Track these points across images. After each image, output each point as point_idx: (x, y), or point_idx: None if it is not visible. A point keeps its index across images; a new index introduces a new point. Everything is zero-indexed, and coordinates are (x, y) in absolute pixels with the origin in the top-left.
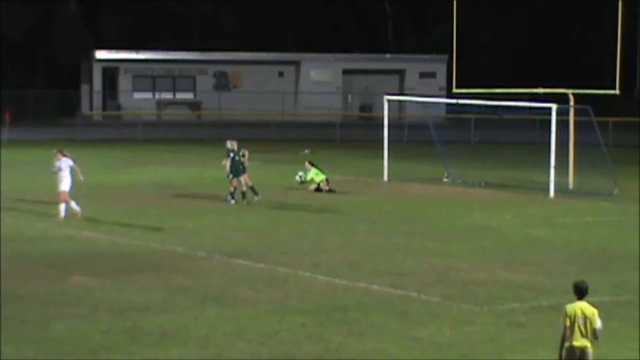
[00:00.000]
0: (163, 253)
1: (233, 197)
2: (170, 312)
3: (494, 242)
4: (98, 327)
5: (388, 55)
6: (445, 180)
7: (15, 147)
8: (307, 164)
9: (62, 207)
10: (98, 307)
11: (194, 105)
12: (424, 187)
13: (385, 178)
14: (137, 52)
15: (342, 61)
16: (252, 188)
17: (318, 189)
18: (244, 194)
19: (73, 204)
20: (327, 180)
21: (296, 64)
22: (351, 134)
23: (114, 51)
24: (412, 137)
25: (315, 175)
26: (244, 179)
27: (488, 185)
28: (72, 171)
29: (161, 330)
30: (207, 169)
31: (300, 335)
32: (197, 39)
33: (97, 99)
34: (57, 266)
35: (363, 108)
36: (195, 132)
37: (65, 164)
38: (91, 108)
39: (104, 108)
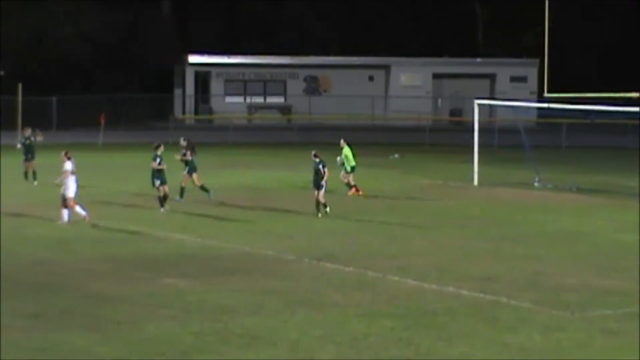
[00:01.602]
0: (253, 256)
1: (182, 196)
2: (260, 315)
3: (584, 248)
4: (189, 328)
5: (478, 60)
6: (535, 185)
7: (110, 150)
8: (342, 141)
9: (66, 212)
10: (189, 309)
11: (285, 109)
12: (514, 191)
13: (475, 182)
14: (228, 57)
15: (432, 65)
16: (201, 187)
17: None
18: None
19: (77, 208)
20: (352, 169)
21: (386, 68)
22: (441, 138)
23: (206, 55)
24: (503, 141)
25: (347, 155)
26: (195, 177)
27: (579, 190)
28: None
29: (251, 332)
30: (296, 173)
31: (388, 339)
32: (287, 44)
33: (190, 103)
34: (149, 268)
35: (453, 112)
36: (286, 135)
37: (69, 167)
38: (184, 112)
39: (196, 112)
